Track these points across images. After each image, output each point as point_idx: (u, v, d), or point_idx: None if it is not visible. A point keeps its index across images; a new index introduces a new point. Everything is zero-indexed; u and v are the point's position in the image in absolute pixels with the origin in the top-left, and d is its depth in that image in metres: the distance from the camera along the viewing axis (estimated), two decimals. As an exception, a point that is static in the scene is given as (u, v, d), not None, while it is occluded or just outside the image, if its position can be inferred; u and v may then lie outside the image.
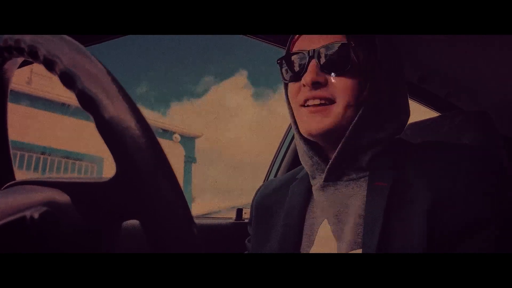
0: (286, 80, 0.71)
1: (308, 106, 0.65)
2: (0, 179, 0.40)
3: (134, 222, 0.28)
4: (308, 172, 0.73)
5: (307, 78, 0.64)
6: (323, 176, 0.67)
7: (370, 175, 0.64)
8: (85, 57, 0.29)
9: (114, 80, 0.28)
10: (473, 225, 0.55)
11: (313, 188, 0.72)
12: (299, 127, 0.69)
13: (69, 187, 0.31)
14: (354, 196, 0.64)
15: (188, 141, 10.94)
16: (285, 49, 0.74)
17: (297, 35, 0.71)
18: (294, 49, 0.70)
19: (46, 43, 0.30)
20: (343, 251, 0.62)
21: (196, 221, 1.28)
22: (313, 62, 0.64)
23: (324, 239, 0.66)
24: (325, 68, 0.64)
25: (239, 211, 1.39)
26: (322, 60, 0.64)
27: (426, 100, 1.50)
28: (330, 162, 0.66)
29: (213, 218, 1.54)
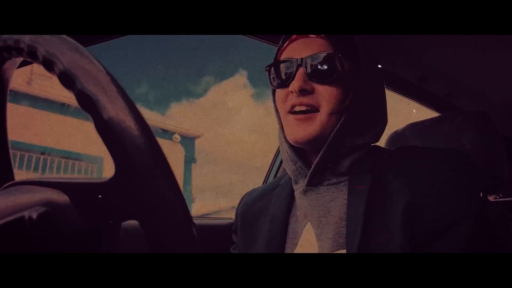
0: (274, 87, 0.73)
1: (294, 112, 0.68)
2: (-1, 179, 0.40)
3: (133, 222, 0.28)
4: (291, 177, 0.75)
5: (295, 85, 0.66)
6: (306, 180, 0.70)
7: (349, 179, 0.67)
8: (84, 57, 0.29)
9: (113, 80, 0.28)
10: (448, 224, 0.58)
11: (296, 193, 0.74)
12: (286, 134, 0.71)
13: (68, 188, 0.31)
14: (335, 200, 0.67)
15: (188, 141, 10.93)
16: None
17: (285, 44, 0.73)
18: (282, 57, 0.72)
19: (45, 43, 0.30)
20: (326, 252, 0.64)
21: (196, 221, 1.28)
22: (301, 70, 0.67)
23: (307, 241, 0.68)
24: (312, 77, 0.66)
25: (239, 211, 1.39)
26: (309, 68, 0.66)
27: (426, 100, 1.50)
28: (313, 167, 0.68)
29: (212, 218, 1.54)
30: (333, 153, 0.67)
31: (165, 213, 0.26)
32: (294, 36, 0.72)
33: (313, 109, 0.66)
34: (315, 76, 0.66)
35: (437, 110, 1.55)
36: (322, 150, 0.66)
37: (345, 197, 0.66)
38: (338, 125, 0.66)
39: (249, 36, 1.05)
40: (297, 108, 0.67)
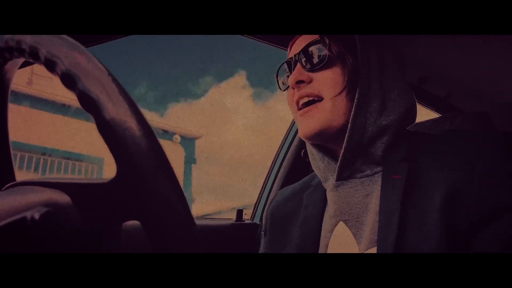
0: (281, 89, 0.75)
1: (301, 108, 0.67)
2: (0, 180, 0.40)
3: (134, 222, 0.28)
4: (320, 177, 0.72)
5: (291, 78, 0.67)
6: (335, 175, 0.66)
7: (384, 169, 0.62)
8: (86, 57, 0.29)
9: (115, 81, 0.28)
10: (489, 215, 0.52)
11: (327, 191, 0.70)
12: (299, 133, 0.70)
13: (69, 188, 0.31)
14: (371, 193, 0.63)
15: (188, 142, 10.93)
16: (283, 49, 0.76)
17: (288, 50, 0.75)
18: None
19: (47, 43, 0.30)
20: (361, 251, 0.60)
21: (197, 222, 1.28)
22: (298, 64, 0.68)
23: (340, 241, 0.64)
24: (307, 67, 0.67)
25: (239, 212, 1.39)
26: (304, 60, 0.68)
27: (426, 101, 1.50)
28: (340, 158, 0.65)
29: (213, 219, 1.54)
30: (357, 139, 0.63)
31: (166, 213, 0.27)
32: (294, 39, 0.73)
33: (316, 98, 0.66)
34: (308, 65, 0.67)
35: (437, 110, 1.55)
36: (346, 138, 0.63)
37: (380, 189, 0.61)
38: (353, 108, 0.63)
39: (248, 37, 1.05)
40: (301, 101, 0.67)
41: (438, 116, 1.17)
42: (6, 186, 0.34)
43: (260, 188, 1.57)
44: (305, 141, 0.69)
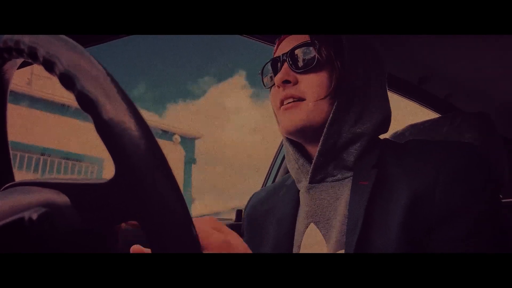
0: (265, 87, 0.75)
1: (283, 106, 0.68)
2: (-1, 180, 0.40)
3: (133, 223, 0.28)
4: (294, 177, 0.74)
5: (277, 77, 0.68)
6: (308, 177, 0.69)
7: (354, 174, 0.65)
8: (85, 58, 0.29)
9: (114, 81, 0.28)
10: (448, 216, 0.55)
11: (300, 193, 0.72)
12: (280, 129, 0.71)
13: (68, 188, 0.31)
14: (341, 197, 0.65)
15: (188, 142, 10.93)
16: None
17: (276, 47, 0.75)
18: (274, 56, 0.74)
19: (46, 44, 0.30)
20: (331, 252, 0.62)
21: (196, 222, 1.27)
22: (285, 64, 0.68)
23: (310, 243, 0.66)
24: (294, 68, 0.67)
25: (239, 212, 1.39)
26: (291, 60, 0.68)
27: (426, 101, 1.50)
28: (313, 162, 0.67)
29: (213, 219, 1.54)
30: (332, 145, 0.66)
31: (165, 214, 0.26)
32: (282, 37, 0.74)
33: (300, 100, 0.67)
34: (296, 66, 0.67)
35: (437, 111, 1.55)
36: (320, 142, 0.65)
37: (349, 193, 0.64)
38: (331, 114, 0.65)
39: (247, 37, 1.05)
40: (285, 102, 0.68)
41: (438, 116, 1.17)
42: (5, 186, 0.34)
43: (260, 188, 1.57)
44: (285, 136, 0.71)
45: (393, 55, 1.22)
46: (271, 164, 1.55)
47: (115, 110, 0.27)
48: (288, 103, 0.67)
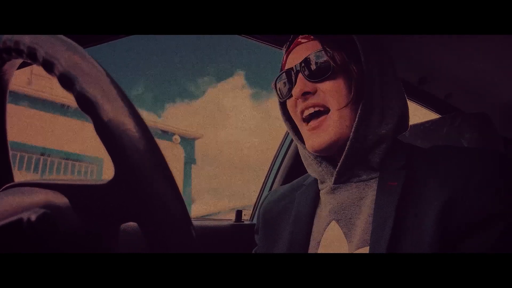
0: (281, 99, 0.74)
1: (306, 119, 0.69)
2: (-2, 181, 0.40)
3: (132, 224, 0.28)
4: (317, 178, 0.74)
5: (296, 90, 0.67)
6: (333, 178, 0.69)
7: (380, 175, 0.65)
8: (84, 59, 0.29)
9: (113, 82, 0.28)
10: (482, 220, 0.55)
11: (322, 192, 0.73)
12: (305, 145, 0.71)
13: (67, 189, 0.31)
14: (365, 198, 0.65)
15: (188, 142, 10.93)
16: (281, 49, 0.77)
17: (285, 57, 0.75)
18: (284, 68, 0.74)
19: (45, 44, 0.30)
20: (352, 250, 0.62)
21: (196, 222, 1.28)
22: (300, 75, 0.68)
23: (331, 240, 0.66)
24: (311, 78, 0.67)
25: (239, 213, 1.39)
26: (307, 71, 0.68)
27: (426, 102, 1.50)
28: (339, 164, 0.67)
29: (212, 219, 1.54)
30: (358, 146, 0.66)
31: (164, 215, 0.26)
32: (290, 48, 0.74)
33: (322, 108, 0.67)
34: (312, 76, 0.67)
35: (437, 111, 1.55)
36: (347, 146, 0.65)
37: (375, 193, 0.64)
38: (357, 119, 0.65)
39: (246, 37, 1.05)
40: (306, 112, 0.68)
41: (438, 117, 1.17)
42: (4, 187, 0.34)
43: (260, 188, 1.57)
44: (312, 152, 0.70)
45: (393, 56, 1.22)
46: (271, 164, 1.55)
47: (114, 111, 0.27)
48: (310, 114, 0.68)
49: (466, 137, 0.99)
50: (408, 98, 1.50)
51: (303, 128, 0.70)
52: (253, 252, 0.88)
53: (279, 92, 0.75)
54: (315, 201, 0.74)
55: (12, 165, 0.43)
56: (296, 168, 1.46)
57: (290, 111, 0.73)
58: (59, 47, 0.29)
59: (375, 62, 0.67)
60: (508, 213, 0.56)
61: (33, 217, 0.26)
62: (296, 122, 0.73)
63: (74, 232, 0.29)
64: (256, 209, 1.51)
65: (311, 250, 0.68)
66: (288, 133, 1.51)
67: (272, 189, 1.48)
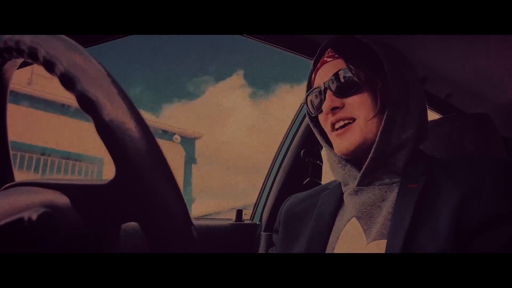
0: (313, 114, 0.82)
1: (336, 129, 0.75)
2: (-1, 180, 0.40)
3: (133, 224, 0.28)
4: (341, 180, 0.79)
5: (326, 105, 0.74)
6: (357, 180, 0.73)
7: (402, 179, 0.70)
8: (85, 58, 0.29)
9: (114, 82, 0.28)
10: (493, 219, 0.60)
11: (345, 195, 0.77)
12: (334, 149, 0.77)
13: (68, 189, 0.31)
14: (386, 199, 0.70)
15: (188, 142, 10.92)
16: (282, 49, 0.82)
17: (313, 75, 0.82)
18: (313, 86, 0.81)
19: (46, 44, 0.30)
20: (369, 242, 0.66)
21: (196, 222, 1.28)
22: (328, 92, 0.74)
23: (351, 233, 0.70)
24: (338, 94, 0.73)
25: (239, 212, 1.39)
26: (334, 88, 0.74)
27: (427, 102, 1.50)
28: (364, 167, 0.71)
29: (213, 219, 1.54)
30: (382, 150, 0.70)
31: (165, 215, 0.26)
32: (317, 67, 0.80)
33: (351, 120, 0.73)
34: (340, 92, 0.73)
35: (438, 112, 1.55)
36: (373, 148, 0.70)
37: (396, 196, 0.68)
38: (382, 125, 0.70)
39: (246, 36, 1.05)
40: (336, 125, 0.74)
41: (438, 117, 1.17)
42: (5, 186, 0.34)
43: (260, 188, 1.56)
44: (340, 155, 0.76)
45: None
46: (271, 164, 1.55)
47: (115, 111, 0.27)
48: (340, 126, 0.73)
49: (466, 138, 0.99)
50: (423, 98, 1.51)
51: (332, 136, 0.76)
52: (269, 251, 0.92)
53: (310, 107, 0.81)
54: (339, 202, 0.78)
55: (13, 165, 0.43)
56: (296, 168, 1.45)
57: (322, 124, 0.79)
58: (60, 47, 0.29)
59: (398, 70, 0.72)
60: None
61: (34, 217, 0.26)
62: (327, 132, 0.79)
63: (75, 232, 0.29)
64: (256, 209, 1.51)
65: (330, 245, 0.73)
66: (289, 132, 1.51)
67: (273, 189, 1.48)
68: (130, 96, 0.28)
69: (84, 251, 0.30)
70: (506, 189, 0.62)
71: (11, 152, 0.43)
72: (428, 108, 1.52)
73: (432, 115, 1.55)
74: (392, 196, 0.69)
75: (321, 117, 0.79)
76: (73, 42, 0.30)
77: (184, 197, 0.28)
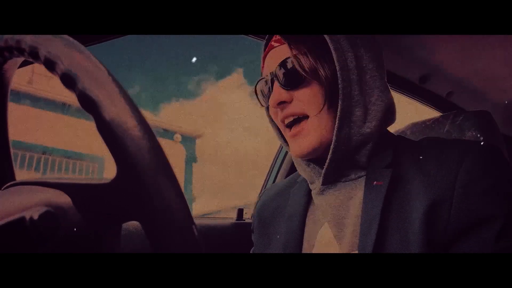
0: (262, 105, 0.75)
1: (288, 125, 0.68)
2: (0, 179, 0.40)
3: (134, 223, 0.28)
4: (307, 178, 0.74)
5: (272, 100, 0.67)
6: (321, 179, 0.68)
7: (367, 174, 0.64)
8: (86, 57, 0.29)
9: (115, 81, 0.28)
10: (475, 224, 0.54)
11: (313, 193, 0.72)
12: (290, 151, 0.71)
13: (69, 188, 0.31)
14: (354, 197, 0.65)
15: (189, 141, 10.93)
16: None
17: (262, 63, 0.74)
18: (263, 73, 0.74)
19: (47, 43, 0.30)
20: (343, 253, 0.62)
21: (197, 221, 1.28)
22: (276, 83, 0.67)
23: (324, 243, 0.66)
24: (285, 86, 0.66)
25: (240, 211, 1.39)
26: (280, 79, 0.67)
27: (427, 100, 1.50)
28: (326, 165, 0.66)
29: (213, 218, 1.54)
30: (343, 148, 0.64)
31: (166, 214, 0.26)
32: (266, 51, 0.72)
33: (301, 115, 0.66)
34: (286, 84, 0.66)
35: (438, 109, 1.54)
36: (331, 148, 0.64)
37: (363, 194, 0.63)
38: (337, 120, 0.63)
39: (247, 36, 1.04)
40: (286, 120, 0.68)
41: (439, 114, 1.17)
42: (6, 185, 0.34)
43: (261, 187, 1.57)
44: (297, 158, 0.70)
45: (394, 54, 1.22)
46: (272, 163, 1.55)
47: (116, 110, 0.27)
48: (290, 122, 0.67)
49: (467, 136, 0.99)
50: (409, 96, 1.50)
51: (287, 134, 0.70)
52: (250, 252, 0.87)
53: (260, 99, 0.74)
54: (308, 199, 0.73)
55: (14, 164, 0.43)
56: (297, 166, 1.46)
57: (273, 118, 0.73)
58: (60, 46, 0.29)
59: (352, 58, 0.64)
60: (502, 213, 0.53)
61: (36, 216, 0.26)
62: (280, 128, 0.73)
63: (76, 231, 0.29)
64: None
65: (305, 252, 0.68)
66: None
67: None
68: (131, 94, 0.28)
69: (84, 251, 0.30)
70: (483, 185, 0.55)
71: (12, 151, 0.43)
72: (430, 106, 1.53)
73: (433, 113, 1.55)
74: (359, 193, 0.64)
75: (271, 111, 0.72)
76: (74, 41, 0.30)
77: (185, 196, 0.28)
